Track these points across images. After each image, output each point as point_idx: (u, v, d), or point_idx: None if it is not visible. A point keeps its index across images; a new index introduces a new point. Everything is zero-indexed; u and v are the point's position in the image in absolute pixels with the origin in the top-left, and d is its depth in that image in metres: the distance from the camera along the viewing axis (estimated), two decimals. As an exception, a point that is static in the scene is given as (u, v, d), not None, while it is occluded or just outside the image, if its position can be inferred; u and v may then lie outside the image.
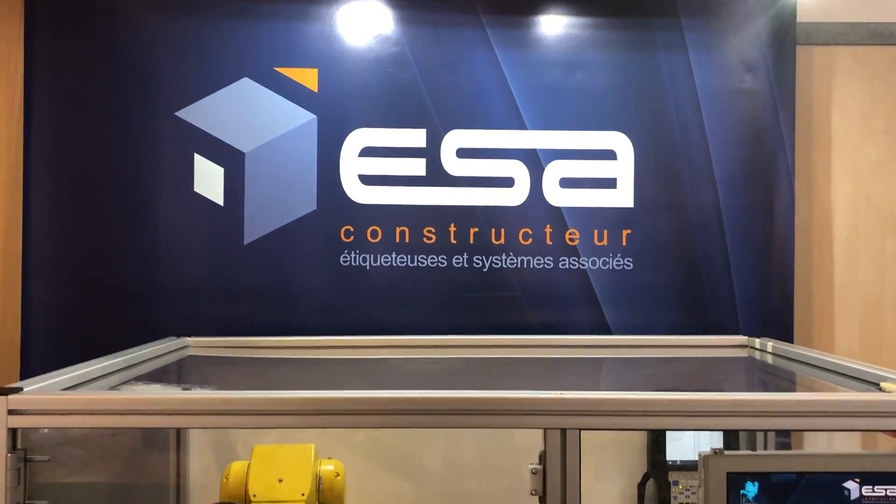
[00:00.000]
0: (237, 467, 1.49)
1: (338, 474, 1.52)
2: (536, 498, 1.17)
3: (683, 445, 1.88)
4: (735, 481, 1.15)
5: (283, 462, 1.46)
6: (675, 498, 1.87)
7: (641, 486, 1.90)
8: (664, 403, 1.15)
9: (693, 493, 1.87)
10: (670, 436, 1.88)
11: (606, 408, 1.15)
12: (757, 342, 1.88)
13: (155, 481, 1.95)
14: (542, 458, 1.15)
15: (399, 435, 1.91)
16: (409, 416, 1.16)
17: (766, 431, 1.75)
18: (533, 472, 1.16)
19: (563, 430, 1.13)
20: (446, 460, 1.95)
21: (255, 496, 1.41)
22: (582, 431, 1.14)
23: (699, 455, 1.18)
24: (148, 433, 1.94)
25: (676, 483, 1.87)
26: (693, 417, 1.16)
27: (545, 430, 1.14)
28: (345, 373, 1.88)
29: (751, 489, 1.15)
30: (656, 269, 2.08)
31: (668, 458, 1.88)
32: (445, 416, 1.17)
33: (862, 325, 2.20)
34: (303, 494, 1.42)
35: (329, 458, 1.54)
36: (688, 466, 1.87)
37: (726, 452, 1.17)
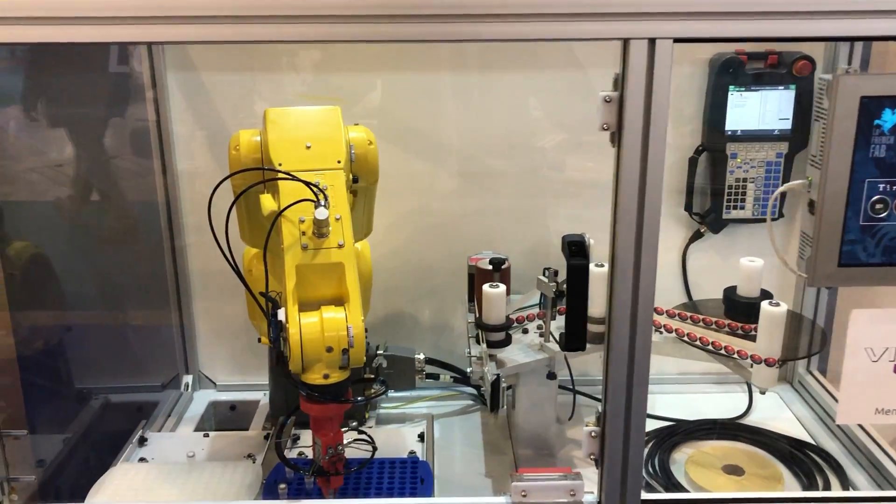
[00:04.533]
0: (247, 136, 1.22)
1: (370, 142, 1.26)
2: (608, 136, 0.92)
3: (746, 114, 1.61)
4: (870, 108, 0.89)
5: (306, 126, 1.19)
6: (732, 172, 1.64)
7: (694, 160, 1.66)
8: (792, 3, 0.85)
9: (752, 166, 1.64)
10: (731, 101, 1.61)
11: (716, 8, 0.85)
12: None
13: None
14: (620, 81, 0.88)
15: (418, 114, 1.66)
16: (442, 23, 0.86)
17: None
18: (606, 101, 0.89)
19: (653, 41, 0.84)
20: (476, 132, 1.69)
21: (280, 165, 1.15)
22: (676, 43, 0.85)
23: (831, 75, 0.90)
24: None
25: (735, 155, 1.64)
26: (825, 19, 0.86)
27: (626, 40, 0.85)
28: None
29: (889, 118, 0.89)
30: None
31: (727, 129, 1.62)
32: (496, 23, 0.87)
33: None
34: (339, 161, 1.16)
35: (355, 125, 1.27)
36: (750, 137, 1.62)
37: (862, 72, 0.89)
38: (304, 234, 1.10)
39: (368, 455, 1.21)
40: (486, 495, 1.41)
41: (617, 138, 0.88)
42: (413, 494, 1.20)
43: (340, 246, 1.10)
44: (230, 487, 1.21)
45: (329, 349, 1.06)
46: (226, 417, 1.76)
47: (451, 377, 1.74)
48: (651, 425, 1.63)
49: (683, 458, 1.53)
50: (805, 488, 1.43)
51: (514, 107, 1.66)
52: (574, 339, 1.02)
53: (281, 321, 1.08)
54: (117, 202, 1.76)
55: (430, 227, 1.74)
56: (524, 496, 1.01)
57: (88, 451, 1.42)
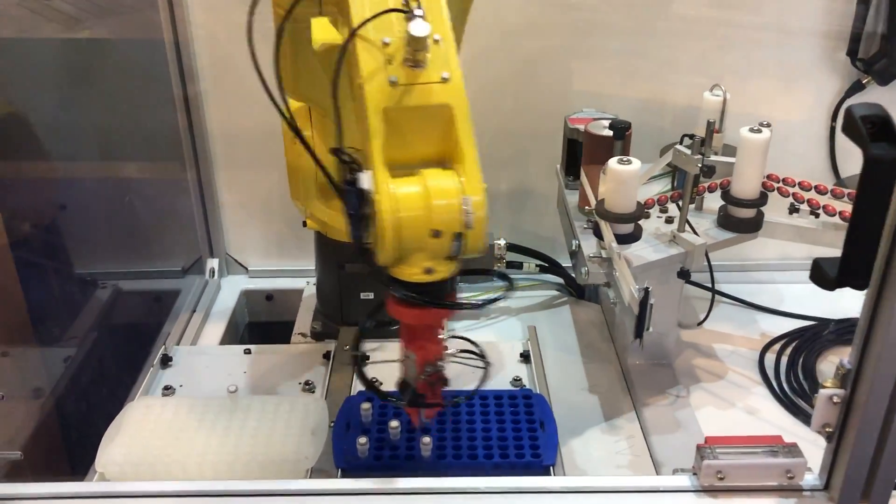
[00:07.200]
0: None
1: None
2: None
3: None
4: None
5: None
6: None
7: (871, -11, 1.26)
8: None
9: None
10: None
11: None
12: None
13: None
14: None
15: None
16: None
17: None
18: None
19: None
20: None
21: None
22: None
23: None
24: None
25: None
26: None
27: None
28: None
29: None
30: None
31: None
32: None
33: None
34: None
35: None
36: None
37: None
38: (390, 62, 0.74)
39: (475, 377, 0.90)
40: (596, 418, 1.12)
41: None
42: (534, 447, 0.90)
43: (445, 80, 0.74)
44: (286, 437, 0.89)
45: (436, 233, 0.73)
46: (262, 309, 1.46)
47: (537, 265, 1.42)
48: (784, 326, 1.33)
49: (831, 371, 1.23)
50: None
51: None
52: (856, 271, 0.64)
53: (365, 190, 0.74)
54: (113, 41, 1.38)
55: (511, 74, 1.36)
56: (720, 478, 0.71)
57: (98, 368, 1.12)
